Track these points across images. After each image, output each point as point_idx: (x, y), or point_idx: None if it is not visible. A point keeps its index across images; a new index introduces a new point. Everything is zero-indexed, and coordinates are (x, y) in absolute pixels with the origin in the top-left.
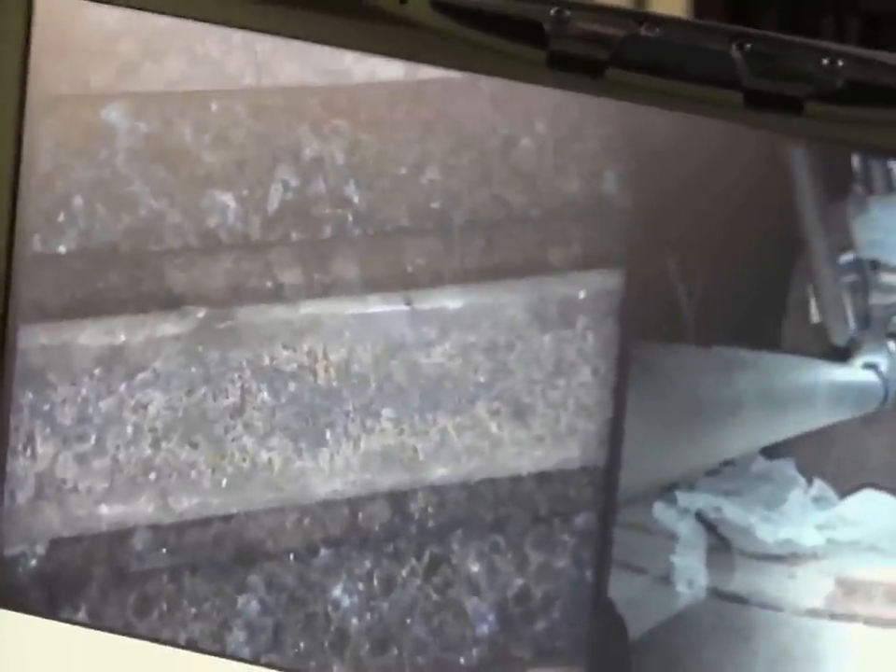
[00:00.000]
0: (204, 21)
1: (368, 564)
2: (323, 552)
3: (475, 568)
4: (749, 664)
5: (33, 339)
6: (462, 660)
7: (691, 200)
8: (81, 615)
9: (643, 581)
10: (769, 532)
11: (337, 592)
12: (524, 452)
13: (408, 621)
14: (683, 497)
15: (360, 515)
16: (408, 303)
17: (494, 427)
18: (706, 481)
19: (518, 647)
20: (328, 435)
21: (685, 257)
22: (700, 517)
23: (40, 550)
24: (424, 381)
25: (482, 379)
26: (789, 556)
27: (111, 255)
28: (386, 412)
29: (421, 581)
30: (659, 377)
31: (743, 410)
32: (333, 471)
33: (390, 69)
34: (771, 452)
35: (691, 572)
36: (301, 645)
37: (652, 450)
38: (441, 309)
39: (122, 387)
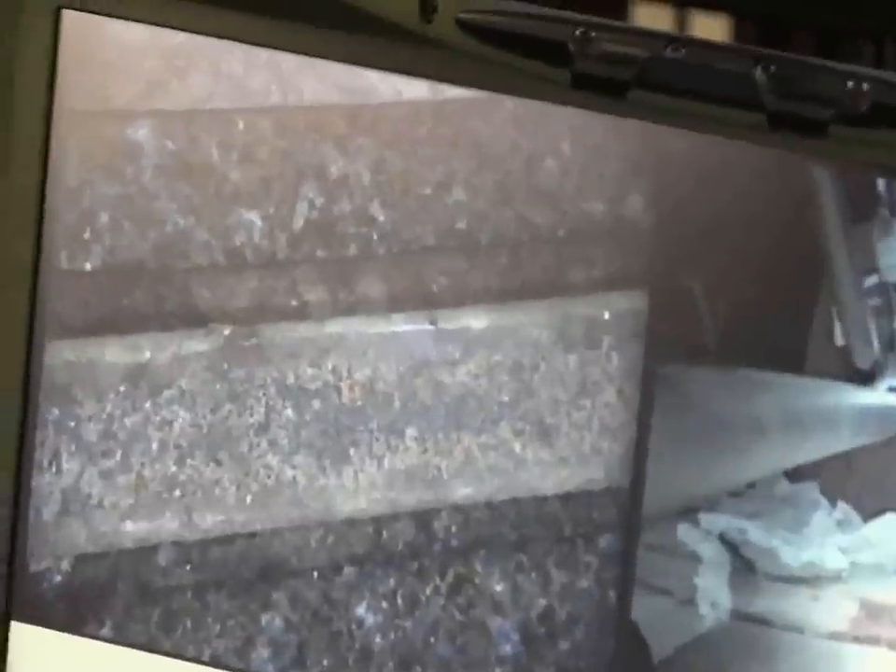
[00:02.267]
0: (229, 39)
1: (392, 582)
2: (347, 570)
3: (499, 588)
4: None
5: (59, 355)
6: None
7: (714, 221)
8: (105, 631)
9: (667, 603)
10: (792, 554)
11: (361, 610)
12: (548, 472)
13: (432, 640)
14: (707, 519)
15: (384, 534)
16: (432, 322)
17: (518, 447)
18: (729, 503)
19: (541, 667)
20: (352, 453)
21: (709, 278)
22: (723, 539)
23: (65, 565)
24: (448, 400)
25: (506, 399)
26: (812, 579)
27: (137, 272)
28: (410, 430)
29: (445, 600)
30: (683, 399)
31: (766, 432)
32: (357, 489)
33: (415, 88)
34: (794, 474)
35: (714, 594)
36: (325, 663)
37: (676, 471)
38: (465, 328)
39: (148, 404)
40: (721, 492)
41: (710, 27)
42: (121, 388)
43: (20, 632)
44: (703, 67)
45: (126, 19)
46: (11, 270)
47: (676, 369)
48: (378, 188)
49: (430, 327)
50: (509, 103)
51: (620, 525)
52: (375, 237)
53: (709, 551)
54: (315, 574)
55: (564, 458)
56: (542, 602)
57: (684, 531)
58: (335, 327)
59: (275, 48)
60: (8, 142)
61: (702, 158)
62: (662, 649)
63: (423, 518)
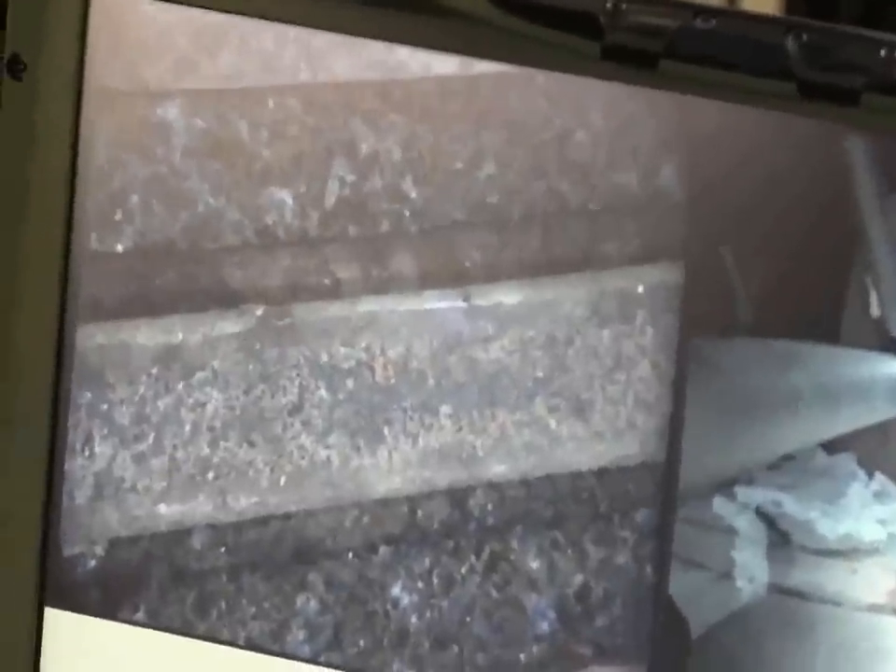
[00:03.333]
0: (259, 17)
1: (427, 562)
2: (382, 549)
3: (535, 565)
4: (810, 659)
5: (90, 338)
6: (522, 657)
7: (747, 192)
8: (140, 615)
9: (704, 577)
10: (830, 527)
11: (396, 590)
12: (583, 448)
13: (468, 618)
14: (743, 492)
15: (419, 513)
16: (465, 299)
17: (553, 424)
18: (765, 475)
19: (578, 644)
20: (386, 432)
21: (742, 250)
22: (760, 512)
23: (99, 550)
24: (482, 377)
25: (540, 374)
26: (849, 551)
27: (168, 253)
28: (445, 408)
29: (480, 578)
30: (718, 372)
31: (802, 404)
32: (392, 469)
33: (445, 63)
34: (831, 446)
35: (751, 568)
36: (361, 643)
37: (712, 445)
38: (498, 304)
39: (180, 386)
40: (758, 465)
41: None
42: (153, 371)
43: (53, 617)
44: (733, 37)
45: None
46: (42, 253)
47: (710, 342)
48: (409, 164)
49: (463, 303)
50: (539, 76)
51: (656, 500)
52: (407, 214)
53: (746, 524)
54: (350, 554)
55: (599, 434)
56: (579, 579)
57: (720, 505)
58: (368, 305)
59: (304, 25)
60: (36, 123)
61: (734, 129)
62: (699, 623)
63: (458, 496)
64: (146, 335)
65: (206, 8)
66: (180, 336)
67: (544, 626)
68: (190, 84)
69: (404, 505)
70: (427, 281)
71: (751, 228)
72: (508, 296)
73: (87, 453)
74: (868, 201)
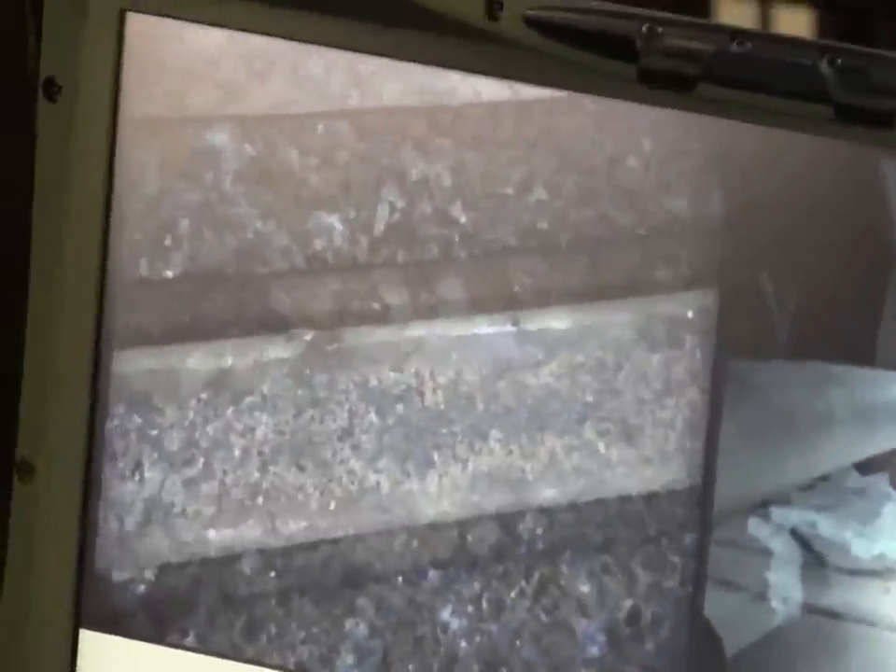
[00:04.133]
0: (306, 42)
1: (476, 586)
2: (431, 574)
3: (584, 589)
4: None
5: (140, 363)
6: None
7: (783, 214)
8: (189, 640)
9: (739, 598)
10: (864, 547)
11: (446, 614)
12: (632, 472)
13: (517, 643)
14: (778, 513)
15: (469, 537)
16: (514, 324)
17: (602, 448)
18: (800, 496)
19: (628, 667)
20: (435, 457)
21: (779, 272)
22: (795, 533)
23: (149, 575)
24: (531, 401)
25: (589, 399)
26: (884, 571)
27: (217, 278)
28: (494, 433)
29: (530, 602)
30: (753, 393)
31: (836, 425)
32: (441, 493)
33: (494, 88)
34: (865, 467)
35: (786, 588)
36: (410, 668)
37: (747, 466)
38: (547, 329)
39: (230, 411)
40: (792, 485)
41: (794, 22)
42: (203, 395)
43: (92, 641)
44: (769, 61)
45: (202, 23)
46: (77, 278)
47: (746, 363)
48: (458, 189)
49: (512, 328)
50: (588, 102)
51: (694, 522)
52: (456, 239)
53: (781, 545)
54: (400, 579)
55: (648, 458)
56: (628, 603)
57: (755, 526)
58: (417, 330)
59: (342, 48)
60: (72, 146)
61: (770, 152)
62: (734, 644)
63: (507, 521)
64: (195, 360)
65: (252, 33)
66: (230, 361)
67: (594, 650)
68: (238, 110)
69: (454, 529)
70: (476, 306)
71: (788, 250)
72: (557, 321)
73: (136, 478)
74: None
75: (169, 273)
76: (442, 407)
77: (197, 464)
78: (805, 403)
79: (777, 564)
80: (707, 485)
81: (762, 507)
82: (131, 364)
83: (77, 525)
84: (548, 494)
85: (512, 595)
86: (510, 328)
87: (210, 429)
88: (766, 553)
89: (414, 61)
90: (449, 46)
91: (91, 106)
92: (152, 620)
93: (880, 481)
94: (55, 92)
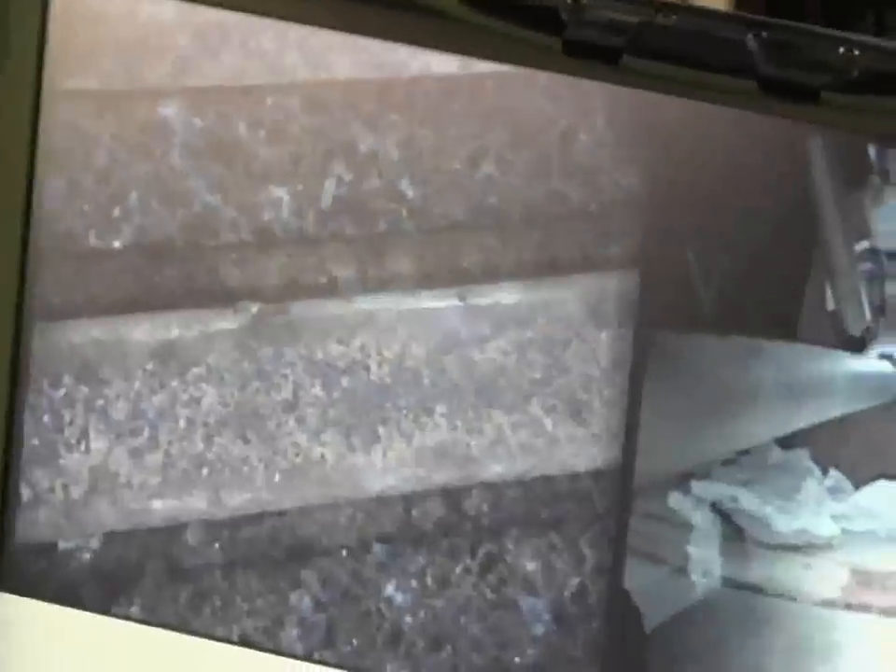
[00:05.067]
0: (258, 14)
1: (422, 561)
2: (377, 548)
3: (531, 567)
4: (765, 654)
5: (87, 333)
6: (518, 659)
7: (706, 189)
8: (135, 610)
9: (659, 572)
10: (785, 522)
11: (391, 589)
12: (580, 450)
13: (462, 619)
14: (699, 487)
15: (414, 512)
16: (462, 299)
17: (549, 425)
18: (721, 470)
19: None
20: (381, 431)
21: (702, 246)
22: (715, 507)
23: (94, 544)
24: (478, 377)
25: (537, 375)
26: (804, 546)
27: (166, 250)
28: (440, 408)
29: (476, 578)
30: (675, 366)
31: (759, 399)
32: (387, 468)
33: (445, 63)
34: (786, 442)
35: (706, 562)
36: (355, 642)
37: (668, 439)
38: (496, 305)
39: (175, 382)
40: (713, 459)
41: None
42: (149, 366)
43: (5, 602)
44: (695, 34)
45: None
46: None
47: (669, 336)
48: (408, 163)
49: (460, 303)
50: (541, 76)
51: (611, 495)
52: (405, 213)
53: (701, 519)
54: (345, 553)
55: (596, 436)
56: (575, 581)
57: (676, 499)
58: (364, 304)
59: (292, 20)
60: None
61: (694, 125)
62: (655, 617)
63: (453, 496)
64: (142, 331)
65: (205, 5)
66: (176, 332)
67: (540, 628)
68: (190, 82)
69: (399, 504)
70: (424, 280)
71: (711, 224)
72: (505, 296)
73: (83, 447)
74: (825, 197)
75: (117, 245)
76: (388, 381)
77: (143, 434)
78: (728, 377)
79: (697, 537)
80: (628, 458)
81: (682, 480)
82: (78, 334)
83: None
84: (494, 470)
85: (458, 570)
86: (457, 302)
87: (156, 400)
88: (687, 526)
89: (345, 30)
90: (387, 18)
91: (14, 79)
92: (99, 589)
93: (802, 456)
94: None
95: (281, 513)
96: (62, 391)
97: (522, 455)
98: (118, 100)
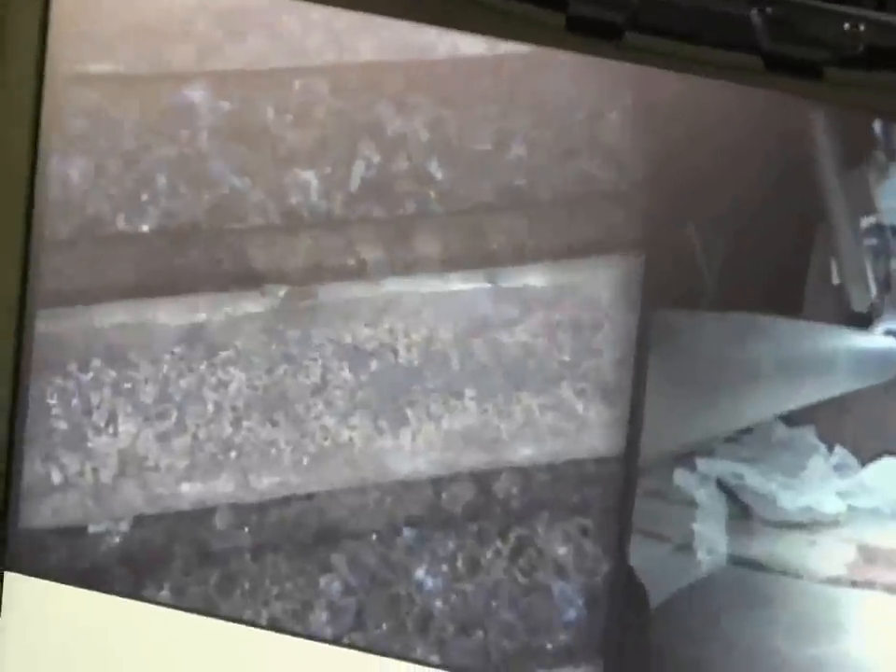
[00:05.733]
0: None
1: (452, 545)
2: (406, 532)
3: (561, 551)
4: (769, 630)
5: (115, 317)
6: (549, 645)
7: (710, 165)
8: (164, 594)
9: (664, 549)
10: (790, 499)
11: (420, 573)
12: (610, 432)
13: (493, 603)
14: (704, 464)
15: (443, 495)
16: (491, 281)
17: (579, 408)
18: (726, 447)
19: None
20: (409, 414)
21: (705, 222)
22: (720, 484)
23: (123, 527)
24: (507, 360)
25: (566, 358)
26: (809, 523)
27: (193, 233)
28: (469, 391)
29: (507, 563)
30: (680, 344)
31: (763, 377)
32: (415, 451)
33: (472, 44)
34: (791, 419)
35: (711, 539)
36: (384, 626)
37: (673, 417)
38: (524, 287)
39: (203, 366)
40: (718, 437)
41: None
42: (176, 350)
43: (11, 582)
44: (697, 10)
45: None
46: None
47: (672, 314)
48: (435, 145)
49: (488, 285)
50: (567, 58)
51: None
52: (433, 195)
53: (706, 496)
54: (374, 536)
55: (625, 418)
56: (605, 566)
57: (681, 476)
58: (392, 286)
59: (318, 2)
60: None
61: (698, 102)
62: (659, 594)
63: (483, 480)
64: (169, 315)
65: None
66: (204, 316)
67: (571, 613)
68: (215, 66)
69: (428, 487)
70: (452, 263)
71: (714, 200)
72: (534, 278)
73: (111, 430)
74: (830, 173)
75: (145, 228)
76: (417, 364)
77: (171, 418)
78: (732, 354)
79: (702, 515)
80: (633, 436)
81: (688, 458)
82: (106, 318)
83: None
84: (524, 453)
85: (488, 554)
86: (486, 285)
87: (183, 383)
88: (692, 503)
89: (343, 6)
90: None
91: (16, 61)
92: (128, 573)
93: (807, 433)
94: None
95: (309, 497)
96: (90, 375)
97: (551, 438)
98: (143, 84)
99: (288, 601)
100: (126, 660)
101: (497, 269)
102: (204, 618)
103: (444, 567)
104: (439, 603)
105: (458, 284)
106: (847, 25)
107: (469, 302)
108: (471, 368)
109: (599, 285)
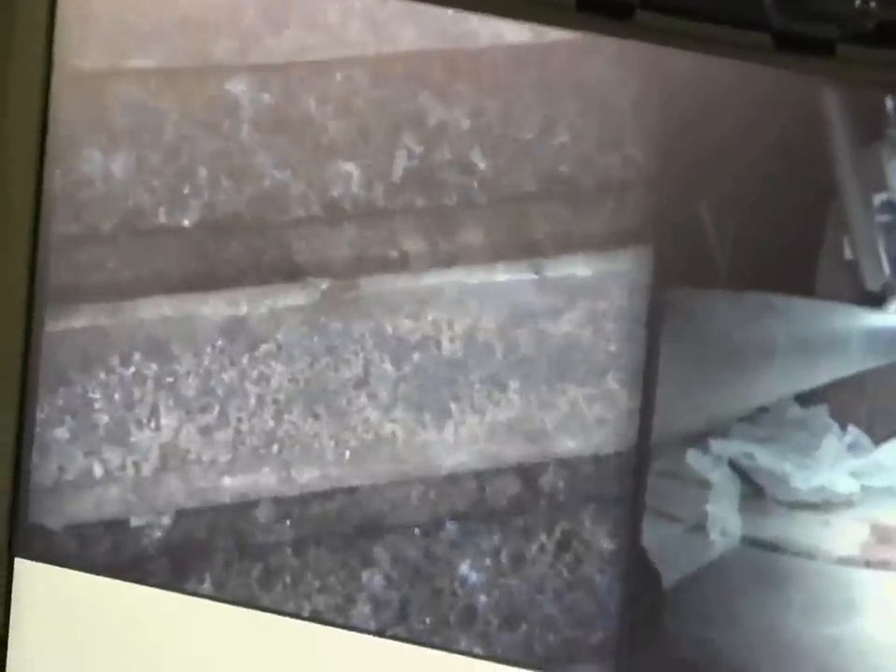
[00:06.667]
0: None
1: (496, 539)
2: (449, 526)
3: (608, 545)
4: (783, 611)
5: (157, 310)
6: (593, 639)
7: (721, 144)
8: (206, 587)
9: (677, 529)
10: (803, 479)
11: (464, 567)
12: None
13: (538, 598)
14: (716, 445)
15: (487, 489)
16: (535, 271)
17: (625, 398)
18: (739, 427)
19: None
20: (453, 406)
21: (717, 201)
22: (733, 464)
23: (166, 521)
24: (551, 351)
25: (612, 348)
26: (823, 504)
27: (235, 226)
28: (513, 382)
29: (552, 557)
30: (692, 323)
31: (776, 356)
32: (458, 444)
33: (515, 32)
34: (805, 398)
35: (724, 520)
36: (427, 621)
37: (686, 397)
38: (569, 276)
39: (245, 359)
40: (731, 417)
41: None
42: (218, 343)
43: (24, 568)
44: None
45: None
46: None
47: (685, 293)
48: (478, 134)
49: (533, 275)
50: (611, 44)
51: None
52: (476, 185)
53: (719, 476)
54: (417, 530)
55: None
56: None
57: (694, 457)
58: (435, 278)
59: None
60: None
61: (709, 80)
62: (672, 575)
63: (527, 473)
64: (211, 308)
65: None
66: (245, 309)
67: (615, 607)
68: (256, 59)
69: (472, 481)
70: (495, 253)
71: (726, 180)
72: (579, 268)
73: (153, 424)
74: (842, 150)
75: (186, 222)
76: (460, 356)
77: (213, 411)
78: (745, 334)
79: (715, 495)
80: (645, 416)
81: (700, 438)
82: (148, 311)
83: (10, 470)
84: (569, 445)
85: (533, 549)
86: (530, 275)
87: (225, 377)
88: (705, 484)
89: None
90: None
91: (23, 51)
92: (170, 566)
93: (820, 412)
94: None
95: (352, 490)
96: (132, 369)
97: (597, 430)
98: (184, 77)
99: (330, 595)
100: (150, 648)
101: (540, 258)
102: (214, 603)
103: (488, 562)
104: (483, 597)
105: (502, 274)
106: (858, 1)
107: (512, 293)
108: (515, 359)
109: (645, 273)
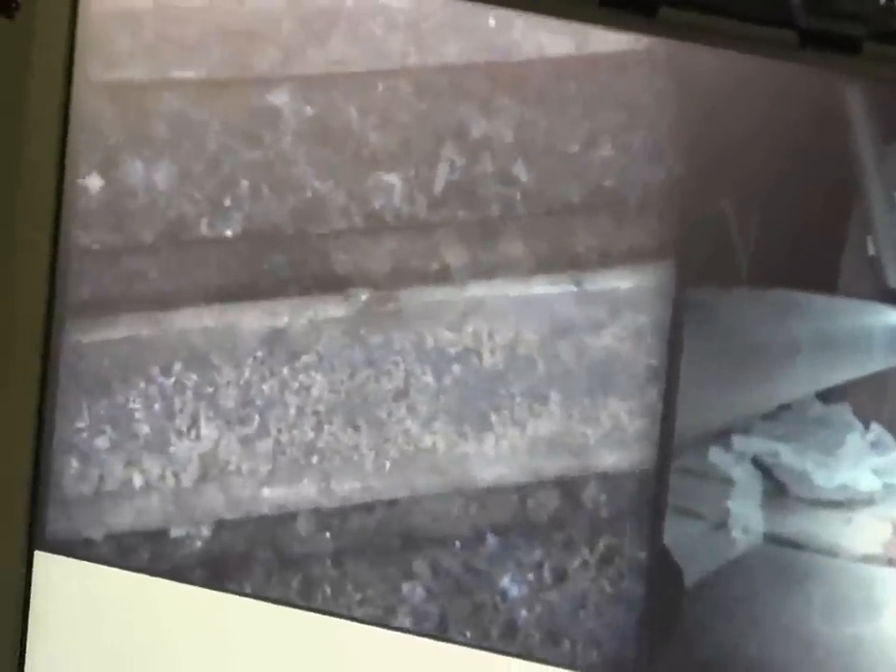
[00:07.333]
0: None
1: (537, 553)
2: (490, 539)
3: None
4: (804, 609)
5: (197, 321)
6: (637, 654)
7: (746, 141)
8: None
9: (699, 527)
10: (826, 477)
11: (505, 581)
12: None
13: (581, 614)
14: (739, 442)
15: (529, 503)
16: (577, 284)
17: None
18: (762, 425)
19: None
20: (493, 419)
21: (741, 199)
22: (756, 462)
23: (205, 531)
24: (593, 364)
25: (654, 362)
26: (845, 501)
27: (276, 237)
28: (554, 395)
29: (594, 572)
30: (715, 321)
31: (799, 354)
32: (499, 457)
33: (558, 44)
34: (827, 396)
35: (747, 518)
36: (468, 634)
37: (708, 395)
38: (611, 290)
39: (285, 370)
40: (754, 414)
41: None
42: (259, 354)
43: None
44: None
45: None
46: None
47: (707, 291)
48: (520, 146)
49: (574, 288)
50: (655, 55)
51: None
52: (518, 197)
53: (742, 474)
54: (458, 543)
55: None
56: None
57: (716, 454)
58: (475, 290)
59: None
60: (29, 66)
61: (734, 77)
62: (694, 573)
63: (569, 487)
64: (251, 319)
65: None
66: (286, 320)
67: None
68: (298, 70)
69: (513, 494)
70: (537, 265)
71: (750, 177)
72: (621, 281)
73: (193, 435)
74: (866, 148)
75: (228, 233)
76: (501, 368)
77: (252, 422)
78: (767, 332)
79: (738, 493)
80: (668, 413)
81: (723, 435)
82: (188, 322)
83: (30, 471)
84: (610, 460)
85: (575, 563)
86: (571, 287)
87: (266, 388)
88: (727, 481)
89: None
90: None
91: (50, 26)
92: (210, 577)
93: (843, 410)
94: (13, 9)
95: (392, 502)
96: (172, 379)
97: (639, 445)
98: (227, 88)
99: (370, 607)
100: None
101: (582, 271)
102: (231, 596)
103: (530, 576)
104: (524, 612)
105: (543, 287)
106: (883, 0)
107: (554, 305)
108: (556, 372)
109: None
